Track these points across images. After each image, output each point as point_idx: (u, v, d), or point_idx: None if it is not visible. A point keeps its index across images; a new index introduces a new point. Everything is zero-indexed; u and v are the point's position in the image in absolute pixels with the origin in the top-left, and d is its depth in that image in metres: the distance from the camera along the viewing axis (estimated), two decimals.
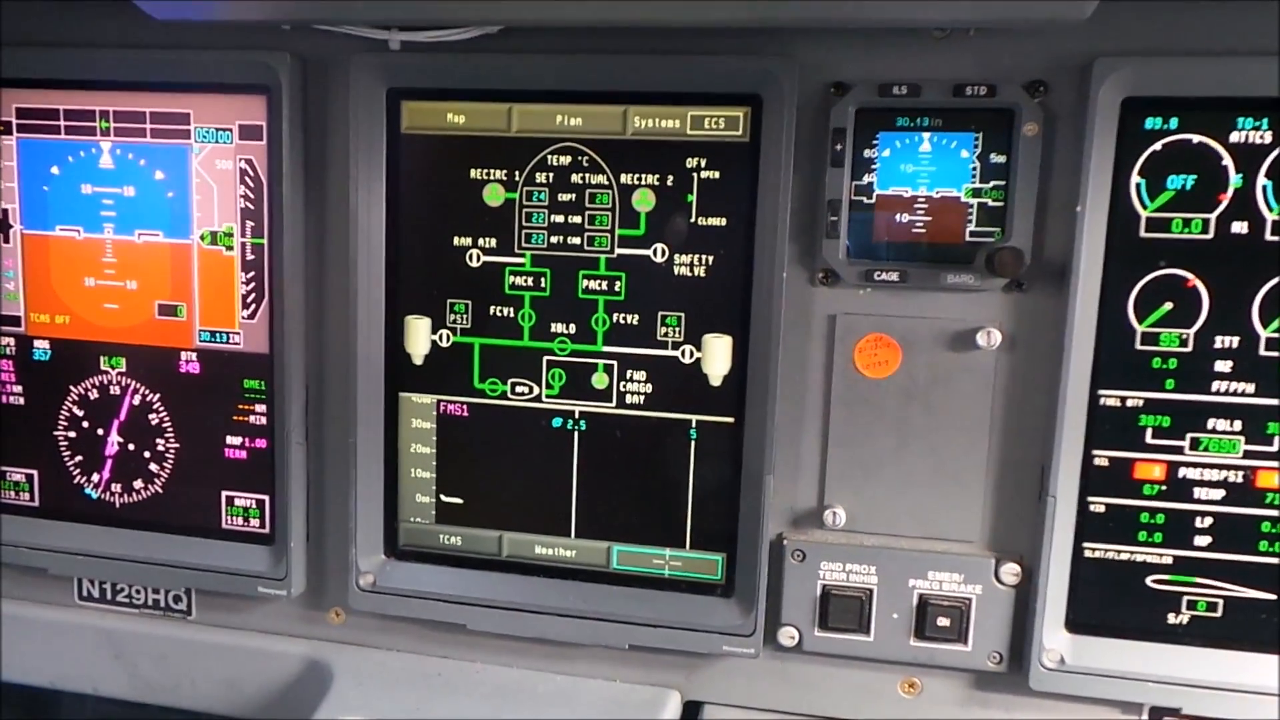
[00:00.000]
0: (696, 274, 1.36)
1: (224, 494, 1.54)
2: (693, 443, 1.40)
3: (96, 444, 1.58)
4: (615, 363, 1.40)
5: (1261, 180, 1.21)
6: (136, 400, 1.55)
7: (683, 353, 1.38)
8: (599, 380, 1.41)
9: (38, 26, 1.47)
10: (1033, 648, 1.32)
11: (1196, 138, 1.22)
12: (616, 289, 1.38)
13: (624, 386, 1.40)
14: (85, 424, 1.58)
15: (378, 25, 1.32)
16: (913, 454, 1.34)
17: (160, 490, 1.56)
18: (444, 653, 1.54)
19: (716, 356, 1.37)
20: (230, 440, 1.53)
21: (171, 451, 1.55)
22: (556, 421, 1.43)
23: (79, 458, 1.59)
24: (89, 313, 1.54)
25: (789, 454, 1.37)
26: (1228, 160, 1.22)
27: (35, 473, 1.61)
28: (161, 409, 1.54)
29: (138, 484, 1.57)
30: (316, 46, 1.39)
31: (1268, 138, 1.21)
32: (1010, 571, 1.34)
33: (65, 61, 1.47)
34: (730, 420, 1.38)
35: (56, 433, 1.59)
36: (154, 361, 1.53)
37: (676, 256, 1.36)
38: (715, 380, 1.38)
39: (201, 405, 1.53)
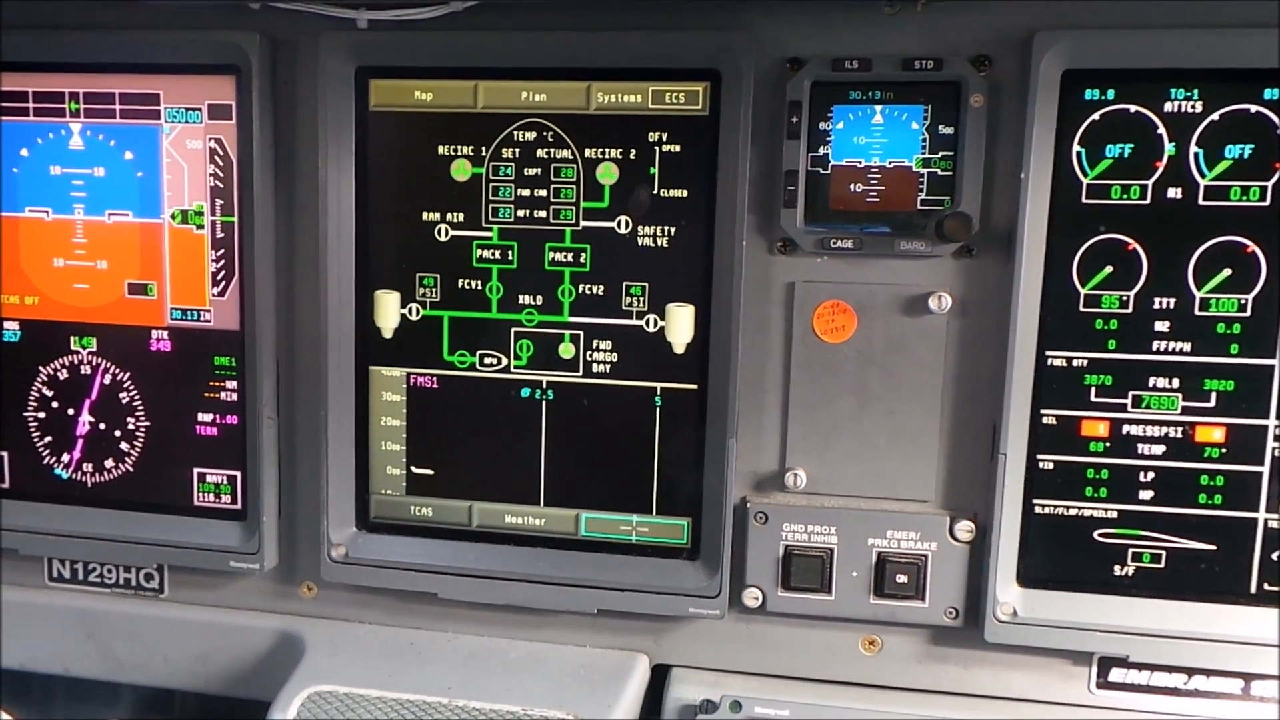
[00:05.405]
0: (659, 245, 1.40)
1: (195, 471, 1.56)
2: (658, 410, 1.43)
3: (67, 424, 1.58)
4: (581, 333, 1.43)
5: (1193, 148, 1.27)
6: (107, 379, 1.56)
7: (647, 322, 1.42)
8: (566, 350, 1.44)
9: (5, 9, 1.48)
10: (986, 602, 1.36)
11: (1133, 108, 1.28)
12: (582, 261, 1.42)
13: (590, 356, 1.44)
14: (55, 404, 1.58)
15: (345, 4, 1.35)
16: (870, 416, 1.39)
17: (132, 469, 1.58)
18: (415, 623, 1.56)
19: (680, 325, 1.41)
20: (202, 417, 1.54)
21: (143, 430, 1.56)
22: (525, 392, 1.46)
23: (49, 438, 1.60)
24: (59, 293, 1.56)
25: (751, 419, 1.41)
26: (1162, 129, 1.28)
27: (4, 454, 1.61)
28: (133, 388, 1.56)
29: (109, 463, 1.58)
30: (285, 26, 1.42)
31: (1199, 107, 1.27)
32: (964, 529, 1.38)
33: (34, 43, 1.48)
34: (694, 387, 1.42)
35: (26, 414, 1.60)
36: (125, 340, 1.55)
37: (640, 228, 1.40)
38: (679, 348, 1.42)
39: (173, 383, 1.54)
